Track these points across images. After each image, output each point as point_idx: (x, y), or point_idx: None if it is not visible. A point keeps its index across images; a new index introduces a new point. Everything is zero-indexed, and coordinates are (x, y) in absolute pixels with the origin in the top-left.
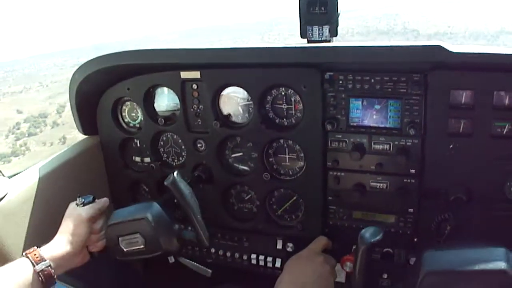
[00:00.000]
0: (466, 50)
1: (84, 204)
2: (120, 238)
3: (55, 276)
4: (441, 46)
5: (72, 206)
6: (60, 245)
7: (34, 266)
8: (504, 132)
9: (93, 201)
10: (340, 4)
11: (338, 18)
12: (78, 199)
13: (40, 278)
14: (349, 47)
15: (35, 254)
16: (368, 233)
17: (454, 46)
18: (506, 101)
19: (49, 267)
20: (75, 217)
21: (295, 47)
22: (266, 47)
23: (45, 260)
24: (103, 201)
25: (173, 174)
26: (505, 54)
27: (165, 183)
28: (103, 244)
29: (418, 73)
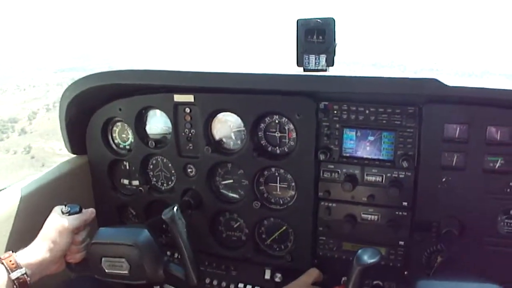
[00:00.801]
0: (461, 84)
1: (70, 214)
2: (103, 259)
3: (30, 284)
4: (437, 80)
5: (57, 212)
6: (38, 251)
7: (9, 273)
8: (496, 166)
9: (79, 211)
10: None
11: (335, 48)
12: (64, 207)
13: (14, 286)
14: (346, 77)
15: (10, 260)
16: (366, 255)
17: (450, 80)
18: (499, 136)
19: (25, 275)
20: (59, 226)
21: (291, 75)
22: (262, 74)
23: (21, 267)
24: (90, 212)
25: (173, 209)
26: (499, 89)
27: (163, 216)
28: (82, 256)
29: (413, 105)
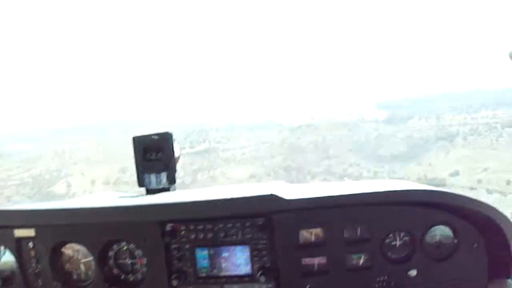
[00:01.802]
0: (303, 195)
1: None
2: None
3: None
4: (274, 195)
5: None
6: None
7: None
8: (360, 263)
9: None
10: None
11: (175, 164)
12: None
13: None
14: (186, 202)
15: None
16: None
17: (291, 190)
18: (358, 233)
19: None
20: None
21: (132, 206)
22: (104, 207)
23: None
24: None
25: None
26: (344, 195)
27: None
28: None
29: (262, 216)
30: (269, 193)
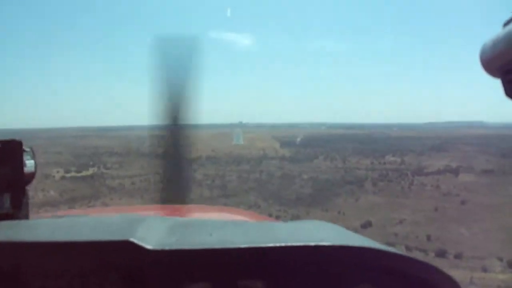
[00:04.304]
0: (169, 245)
1: None
2: None
3: None
4: (131, 242)
5: None
6: None
7: None
8: None
9: None
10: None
11: (26, 184)
12: None
13: None
14: (20, 243)
15: None
16: None
17: (152, 239)
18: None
19: None
20: None
21: None
22: None
23: None
24: None
25: None
26: (234, 248)
27: None
28: None
29: (119, 270)
30: (124, 238)
